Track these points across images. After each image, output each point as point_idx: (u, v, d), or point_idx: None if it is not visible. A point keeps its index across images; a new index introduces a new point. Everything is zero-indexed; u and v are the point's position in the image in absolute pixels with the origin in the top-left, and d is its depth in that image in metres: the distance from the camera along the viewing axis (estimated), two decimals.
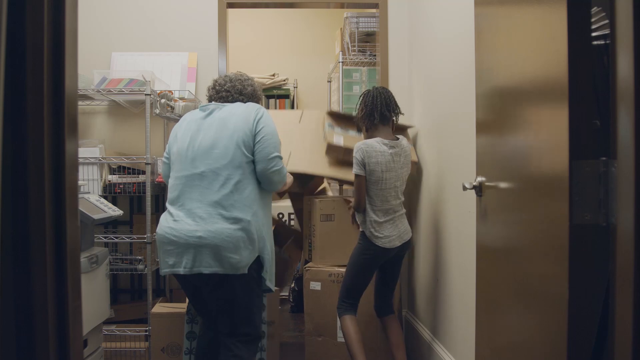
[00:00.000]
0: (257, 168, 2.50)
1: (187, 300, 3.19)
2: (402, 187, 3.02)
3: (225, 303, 2.51)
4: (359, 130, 3.18)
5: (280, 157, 2.57)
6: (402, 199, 3.04)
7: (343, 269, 3.38)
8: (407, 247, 3.09)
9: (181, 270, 2.43)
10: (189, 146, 2.53)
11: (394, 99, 3.04)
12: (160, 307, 3.34)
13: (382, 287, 3.15)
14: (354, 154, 2.90)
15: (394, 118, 3.04)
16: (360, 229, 3.00)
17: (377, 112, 2.95)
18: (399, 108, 3.05)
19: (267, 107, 4.86)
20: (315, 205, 3.49)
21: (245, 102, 2.69)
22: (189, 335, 3.09)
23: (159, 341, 3.22)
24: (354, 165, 2.91)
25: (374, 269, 3.05)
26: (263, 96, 2.81)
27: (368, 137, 3.00)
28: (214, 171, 2.46)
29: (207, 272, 2.40)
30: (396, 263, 3.10)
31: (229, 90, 2.70)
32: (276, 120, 2.67)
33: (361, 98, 3.06)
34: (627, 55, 1.17)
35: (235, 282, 2.45)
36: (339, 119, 3.59)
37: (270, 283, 2.62)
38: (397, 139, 3.01)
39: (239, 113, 2.56)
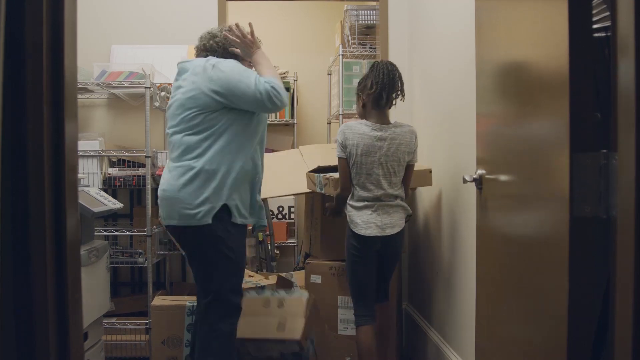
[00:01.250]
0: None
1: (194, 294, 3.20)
2: (390, 177, 2.77)
3: (187, 257, 2.66)
4: (357, 97, 2.94)
5: (267, 82, 2.46)
6: (395, 191, 2.79)
7: (344, 263, 3.38)
8: (394, 246, 2.87)
9: (162, 222, 2.60)
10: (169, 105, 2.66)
11: (400, 78, 2.87)
12: (160, 300, 3.35)
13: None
14: (336, 137, 2.80)
15: (394, 101, 2.87)
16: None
17: (385, 94, 2.78)
18: (403, 90, 2.87)
19: None
20: (318, 198, 3.49)
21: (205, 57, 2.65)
22: (190, 328, 3.10)
23: (159, 334, 3.22)
24: (337, 148, 2.79)
25: (367, 262, 2.82)
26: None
27: (362, 113, 2.86)
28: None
29: (165, 224, 2.56)
30: (385, 263, 2.91)
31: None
32: (281, 163, 2.86)
33: (371, 72, 2.86)
34: (628, 47, 1.16)
35: (191, 234, 2.50)
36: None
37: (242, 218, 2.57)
38: (390, 123, 2.82)
39: (191, 72, 2.59)
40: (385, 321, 3.03)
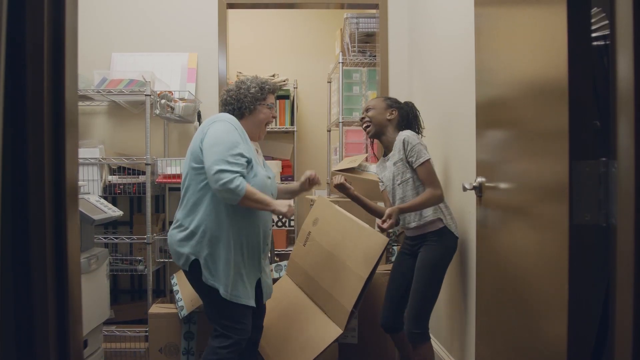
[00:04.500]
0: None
1: (178, 298, 3.20)
2: None
3: None
4: (389, 106, 2.87)
5: (226, 170, 2.35)
6: None
7: None
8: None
9: None
10: None
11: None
12: (157, 308, 3.34)
13: (397, 297, 2.83)
14: (413, 144, 2.64)
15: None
16: (432, 229, 2.67)
17: (416, 125, 2.85)
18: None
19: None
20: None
21: (224, 112, 2.64)
22: (187, 336, 3.09)
23: (156, 341, 3.22)
24: (421, 151, 2.63)
25: None
26: (253, 93, 2.60)
27: (393, 134, 2.82)
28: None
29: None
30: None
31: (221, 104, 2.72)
32: None
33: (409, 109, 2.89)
34: (627, 55, 1.17)
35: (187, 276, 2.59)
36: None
37: (231, 295, 2.46)
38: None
39: (199, 128, 2.57)
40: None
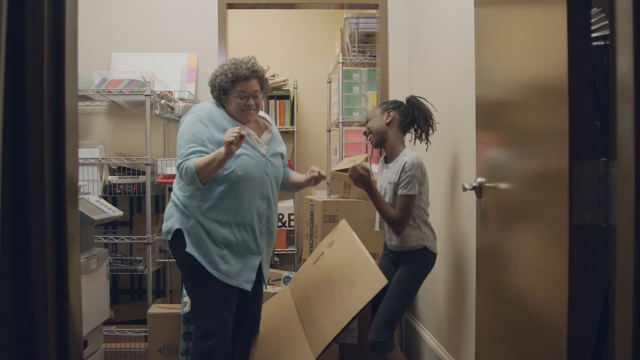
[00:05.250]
0: None
1: (183, 301, 3.20)
2: None
3: None
4: (384, 110, 2.86)
5: (180, 163, 2.45)
6: None
7: None
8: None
9: None
10: None
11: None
12: (156, 308, 3.34)
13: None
14: (410, 173, 2.65)
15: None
16: (415, 247, 2.72)
17: (422, 118, 2.84)
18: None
19: (267, 108, 4.86)
20: (318, 206, 3.49)
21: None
22: (186, 336, 3.09)
23: (155, 342, 3.21)
24: (411, 184, 2.65)
25: None
26: (219, 83, 2.61)
27: (390, 131, 2.81)
28: None
29: None
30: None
31: None
32: None
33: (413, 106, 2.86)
34: (627, 55, 1.17)
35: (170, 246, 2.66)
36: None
37: (215, 270, 2.50)
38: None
39: None
40: None
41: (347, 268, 2.77)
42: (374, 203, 2.76)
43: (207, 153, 2.43)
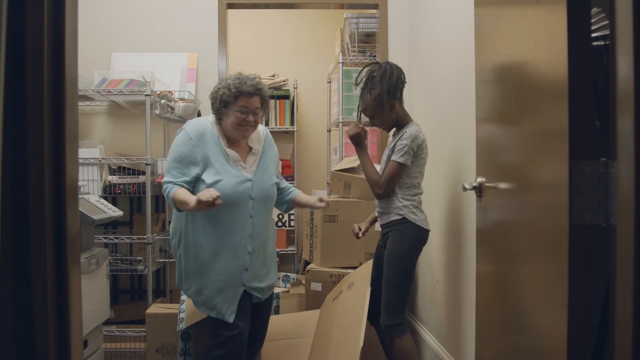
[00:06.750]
0: None
1: (182, 300, 3.21)
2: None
3: None
4: (381, 104, 2.73)
5: (165, 182, 2.53)
6: None
7: (344, 271, 3.38)
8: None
9: None
10: None
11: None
12: (155, 308, 3.34)
13: (377, 288, 2.79)
14: (406, 142, 2.62)
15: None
16: (395, 217, 2.69)
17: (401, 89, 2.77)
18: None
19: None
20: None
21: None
22: (184, 336, 3.09)
23: (154, 342, 3.21)
24: (403, 152, 2.62)
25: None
26: (221, 96, 2.58)
27: (394, 117, 2.76)
28: None
29: None
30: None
31: None
32: None
33: (389, 73, 2.73)
34: (627, 55, 1.17)
35: None
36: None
37: (196, 302, 2.61)
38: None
39: None
40: None
41: (343, 329, 2.63)
42: (362, 164, 2.79)
43: (187, 179, 2.52)
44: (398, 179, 2.68)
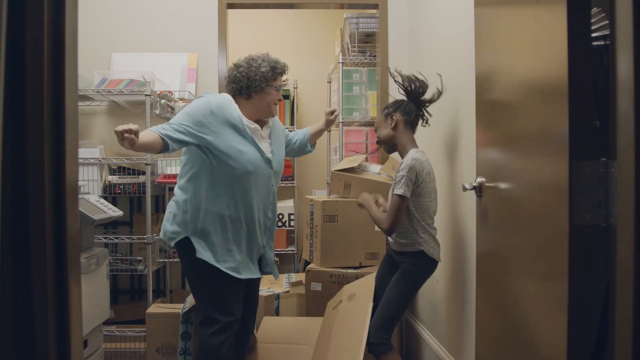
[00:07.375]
0: None
1: (186, 300, 3.20)
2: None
3: None
4: (387, 115, 2.80)
5: (168, 126, 2.42)
6: None
7: (344, 271, 3.38)
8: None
9: None
10: None
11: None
12: (155, 308, 3.34)
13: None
14: (403, 173, 2.58)
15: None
16: (412, 249, 2.66)
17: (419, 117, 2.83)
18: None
19: None
20: (318, 206, 3.49)
21: (228, 91, 2.67)
22: (184, 336, 3.09)
23: (154, 341, 3.21)
24: (401, 184, 2.57)
25: None
26: (264, 72, 2.58)
27: (404, 137, 2.77)
28: None
29: None
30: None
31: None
32: None
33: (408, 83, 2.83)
34: (627, 55, 1.17)
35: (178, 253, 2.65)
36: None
37: (216, 261, 2.52)
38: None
39: None
40: None
41: (340, 350, 2.59)
42: (369, 214, 2.77)
43: (182, 137, 2.41)
44: (401, 212, 2.61)
